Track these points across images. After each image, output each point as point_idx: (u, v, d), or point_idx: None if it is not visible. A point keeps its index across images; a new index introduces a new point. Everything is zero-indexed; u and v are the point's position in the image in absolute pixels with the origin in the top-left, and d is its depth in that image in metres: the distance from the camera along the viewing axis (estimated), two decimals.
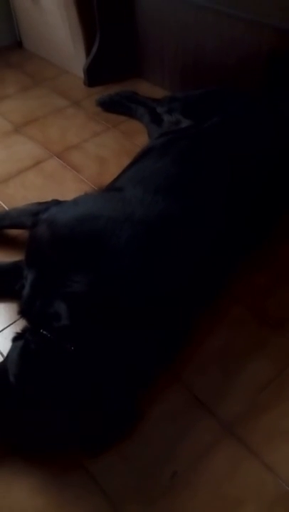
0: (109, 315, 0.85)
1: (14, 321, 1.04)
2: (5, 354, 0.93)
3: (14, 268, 1.08)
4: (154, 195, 1.01)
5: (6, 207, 1.34)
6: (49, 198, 1.19)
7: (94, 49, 1.86)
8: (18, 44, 2.13)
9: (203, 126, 1.24)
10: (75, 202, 1.07)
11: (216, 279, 1.07)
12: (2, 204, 1.36)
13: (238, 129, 1.21)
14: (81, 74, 1.93)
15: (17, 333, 0.90)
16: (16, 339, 0.89)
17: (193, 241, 0.99)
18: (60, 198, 1.18)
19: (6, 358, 0.86)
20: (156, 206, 0.99)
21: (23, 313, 0.95)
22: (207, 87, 1.48)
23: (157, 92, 1.79)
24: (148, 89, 1.85)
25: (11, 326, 1.04)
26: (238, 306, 1.09)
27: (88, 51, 1.88)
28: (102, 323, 0.84)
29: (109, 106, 1.75)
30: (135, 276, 0.89)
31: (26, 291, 0.94)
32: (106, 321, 0.84)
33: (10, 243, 1.22)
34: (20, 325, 0.98)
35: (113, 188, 1.14)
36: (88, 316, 0.84)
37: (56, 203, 1.14)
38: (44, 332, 0.83)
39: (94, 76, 1.91)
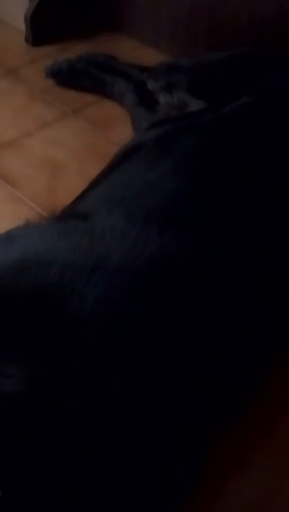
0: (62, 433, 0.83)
1: None
2: None
3: None
4: (143, 225, 1.01)
5: None
6: None
7: None
8: None
9: (223, 112, 1.25)
10: (9, 238, 1.06)
11: (245, 377, 1.06)
12: None
13: (282, 117, 1.23)
14: (21, 25, 1.94)
15: None
16: None
17: (209, 307, 0.98)
18: None
19: None
20: (147, 244, 0.99)
21: None
22: (229, 50, 1.50)
23: (148, 56, 1.80)
24: (133, 50, 1.86)
25: None
26: None
27: None
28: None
29: (68, 77, 1.76)
30: (108, 366, 0.87)
31: None
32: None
33: None
34: None
35: (74, 213, 1.14)
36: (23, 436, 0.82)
37: None
38: None
39: (42, 28, 1.93)
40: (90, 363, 0.87)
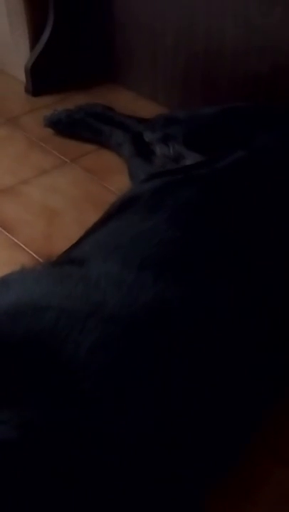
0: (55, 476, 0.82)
1: None
2: None
3: None
4: (138, 272, 1.01)
5: None
6: None
7: (43, 37, 1.92)
8: None
9: (219, 165, 1.26)
10: (4, 283, 1.05)
11: (240, 427, 1.06)
12: None
13: (275, 171, 1.25)
14: (21, 75, 1.98)
15: None
16: None
17: (205, 354, 0.98)
18: None
19: None
20: (142, 291, 0.99)
21: None
22: (224, 103, 1.52)
23: (145, 108, 1.83)
24: (130, 102, 1.90)
25: None
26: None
27: (34, 40, 1.94)
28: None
29: (66, 127, 1.78)
30: (105, 415, 0.87)
31: None
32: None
33: None
34: None
35: (70, 259, 1.14)
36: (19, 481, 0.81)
37: None
38: None
39: (42, 79, 1.97)
40: (84, 410, 0.87)
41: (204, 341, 0.99)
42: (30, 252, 1.45)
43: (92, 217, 1.27)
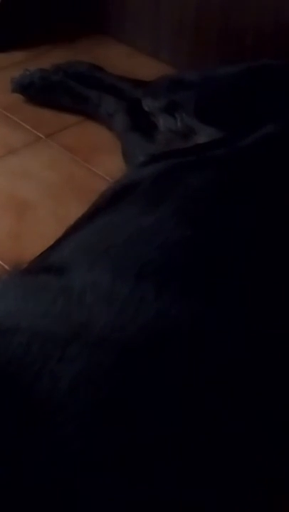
0: None
1: None
2: None
3: None
4: (135, 284, 1.02)
5: None
6: None
7: None
8: None
9: (241, 145, 1.27)
10: None
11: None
12: None
13: None
14: None
15: None
16: None
17: (224, 396, 0.98)
18: None
19: None
20: (140, 309, 0.99)
21: None
22: (248, 61, 1.55)
23: (145, 67, 1.84)
24: (125, 59, 1.91)
25: None
26: None
27: None
28: None
29: (41, 92, 1.78)
30: (87, 470, 0.87)
31: None
32: None
33: None
34: None
35: (46, 266, 1.15)
36: None
37: None
38: None
39: (8, 29, 1.97)
40: (64, 465, 0.87)
41: (221, 376, 0.99)
42: None
43: (75, 211, 1.28)
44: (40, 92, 1.80)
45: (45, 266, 1.16)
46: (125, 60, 1.92)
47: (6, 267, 1.40)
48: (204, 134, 1.39)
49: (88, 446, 0.89)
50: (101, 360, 0.93)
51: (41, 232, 1.42)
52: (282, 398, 1.06)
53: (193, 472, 0.97)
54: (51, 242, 1.23)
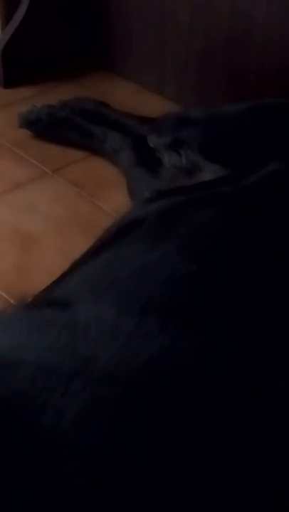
0: None
1: None
2: None
3: None
4: (140, 318, 1.02)
5: None
6: None
7: (18, 13, 1.95)
8: None
9: (246, 182, 1.27)
10: None
11: None
12: None
13: None
14: None
15: None
16: None
17: (231, 435, 0.97)
18: None
19: None
20: (145, 343, 1.00)
21: None
22: (254, 100, 1.55)
23: (150, 104, 1.85)
24: (131, 96, 1.92)
25: None
26: None
27: (6, 17, 1.97)
28: None
29: (48, 128, 1.80)
30: (92, 507, 0.85)
31: None
32: None
33: None
34: None
35: (50, 300, 1.15)
36: None
37: None
38: None
39: (16, 66, 1.99)
40: (68, 501, 0.86)
41: (228, 415, 0.98)
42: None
43: (80, 245, 1.28)
44: (46, 127, 1.81)
45: (50, 300, 1.16)
46: (131, 97, 1.93)
47: (11, 300, 1.39)
48: (209, 171, 1.40)
49: (92, 482, 0.88)
50: (105, 395, 0.93)
51: (46, 266, 1.43)
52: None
53: None
54: (56, 276, 1.23)
